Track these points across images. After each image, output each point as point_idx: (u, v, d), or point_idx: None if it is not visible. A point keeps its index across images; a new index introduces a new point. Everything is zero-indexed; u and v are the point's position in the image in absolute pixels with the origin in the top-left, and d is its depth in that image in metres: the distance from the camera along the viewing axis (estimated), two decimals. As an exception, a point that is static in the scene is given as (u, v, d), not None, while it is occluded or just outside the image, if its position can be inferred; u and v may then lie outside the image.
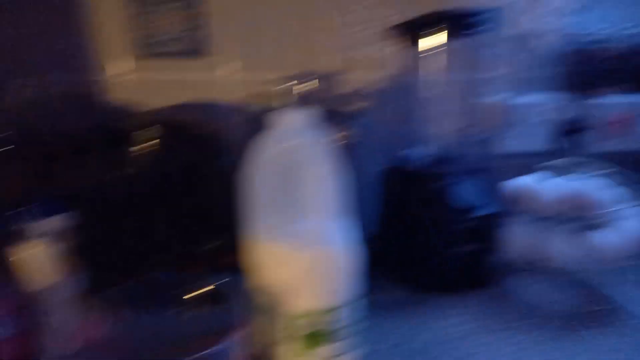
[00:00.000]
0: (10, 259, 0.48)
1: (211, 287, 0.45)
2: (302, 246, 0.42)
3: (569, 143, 0.74)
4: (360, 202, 0.48)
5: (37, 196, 0.49)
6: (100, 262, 0.58)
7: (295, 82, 0.67)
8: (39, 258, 0.48)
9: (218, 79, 0.72)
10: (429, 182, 0.60)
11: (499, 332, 0.53)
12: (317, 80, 0.66)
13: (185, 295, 0.47)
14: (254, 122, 0.66)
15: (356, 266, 0.45)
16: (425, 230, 0.58)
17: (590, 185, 0.58)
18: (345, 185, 0.45)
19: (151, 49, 0.69)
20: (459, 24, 0.63)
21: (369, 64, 0.74)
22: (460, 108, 0.68)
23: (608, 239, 0.56)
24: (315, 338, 0.43)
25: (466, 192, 0.59)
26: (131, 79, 0.70)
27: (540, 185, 0.60)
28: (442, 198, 0.58)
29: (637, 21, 0.78)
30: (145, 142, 0.59)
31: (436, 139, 0.65)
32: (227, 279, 0.45)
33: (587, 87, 0.78)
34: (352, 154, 0.60)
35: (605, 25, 0.78)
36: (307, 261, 0.42)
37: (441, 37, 0.63)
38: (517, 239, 0.59)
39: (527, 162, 0.65)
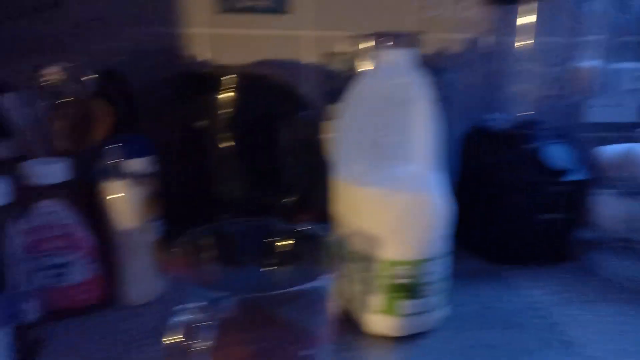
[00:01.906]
0: (96, 198, 0.49)
1: (299, 232, 0.44)
2: (398, 191, 0.41)
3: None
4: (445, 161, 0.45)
5: (124, 137, 0.49)
6: (175, 210, 0.59)
7: (372, 40, 0.65)
8: (124, 198, 0.48)
9: (297, 36, 0.71)
10: (515, 144, 0.56)
11: (583, 304, 0.50)
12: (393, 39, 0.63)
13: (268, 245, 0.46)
14: (334, 80, 0.65)
15: (449, 219, 0.43)
16: (510, 194, 0.55)
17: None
18: (441, 135, 0.43)
19: (233, 3, 0.69)
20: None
21: (451, 25, 0.72)
22: (549, 73, 0.64)
23: None
24: (403, 290, 0.41)
25: (556, 155, 0.55)
26: (213, 33, 0.70)
27: (637, 153, 0.56)
28: (531, 160, 0.55)
29: None
30: (225, 93, 0.59)
31: (522, 103, 0.62)
32: (311, 228, 0.43)
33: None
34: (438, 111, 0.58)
35: None
36: (403, 207, 0.41)
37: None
38: (609, 212, 0.56)
39: (616, 133, 0.61)
